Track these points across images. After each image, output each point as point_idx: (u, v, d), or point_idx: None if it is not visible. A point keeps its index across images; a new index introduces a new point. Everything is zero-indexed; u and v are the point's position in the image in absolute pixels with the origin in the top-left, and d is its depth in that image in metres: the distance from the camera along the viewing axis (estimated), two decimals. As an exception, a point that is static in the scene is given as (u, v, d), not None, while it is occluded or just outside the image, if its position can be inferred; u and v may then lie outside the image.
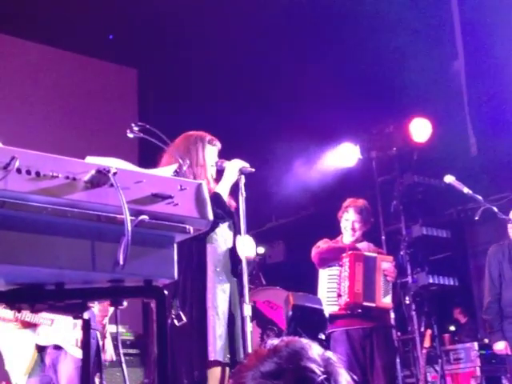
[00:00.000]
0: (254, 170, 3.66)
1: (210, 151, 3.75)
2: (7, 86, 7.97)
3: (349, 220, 5.13)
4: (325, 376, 1.27)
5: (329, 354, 1.33)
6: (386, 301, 4.94)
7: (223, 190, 3.58)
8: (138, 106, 9.22)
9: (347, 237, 5.16)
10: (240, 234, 3.61)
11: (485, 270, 5.58)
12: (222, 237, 3.67)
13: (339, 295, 4.92)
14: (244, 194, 3.59)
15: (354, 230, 5.12)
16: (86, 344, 2.01)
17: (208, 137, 3.78)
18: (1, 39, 8.11)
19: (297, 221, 9.31)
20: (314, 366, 1.27)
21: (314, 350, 1.31)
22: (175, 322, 3.28)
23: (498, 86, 7.25)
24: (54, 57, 8.57)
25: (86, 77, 8.71)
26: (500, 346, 5.29)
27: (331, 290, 4.97)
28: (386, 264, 5.00)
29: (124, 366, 2.17)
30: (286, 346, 1.29)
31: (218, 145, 3.79)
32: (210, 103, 8.31)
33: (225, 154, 3.80)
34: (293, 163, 7.75)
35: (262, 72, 7.85)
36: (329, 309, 4.96)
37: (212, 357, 3.44)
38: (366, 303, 4.87)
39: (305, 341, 1.33)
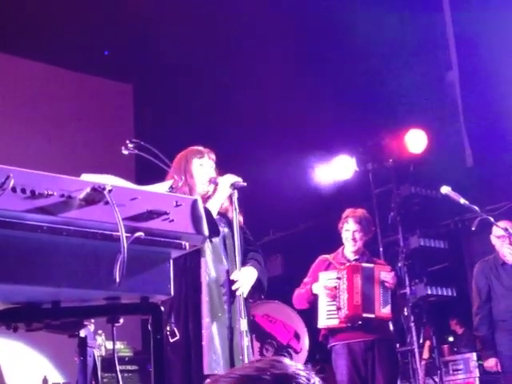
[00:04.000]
0: (245, 184, 3.63)
1: (198, 165, 3.71)
2: (2, 103, 7.97)
3: (349, 230, 5.12)
4: None
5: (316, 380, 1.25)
6: (385, 311, 4.93)
7: (212, 205, 3.56)
8: (133, 122, 9.23)
9: (349, 247, 5.15)
10: (234, 248, 3.58)
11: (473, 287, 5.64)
12: (215, 250, 3.64)
13: (339, 308, 4.89)
14: (237, 209, 3.58)
15: (354, 240, 5.11)
16: (83, 363, 2.01)
17: (195, 151, 3.76)
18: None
19: (294, 234, 9.30)
20: None
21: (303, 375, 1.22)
22: (169, 338, 3.27)
23: (493, 96, 7.27)
24: (49, 73, 8.59)
25: (82, 93, 8.73)
26: (490, 364, 5.37)
27: (331, 303, 4.95)
28: (384, 273, 5.00)
29: (121, 383, 2.16)
30: (272, 366, 1.21)
31: (208, 156, 3.74)
32: (205, 118, 8.33)
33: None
34: (289, 176, 7.76)
35: (259, 84, 7.87)
36: (330, 322, 4.95)
37: (207, 371, 3.43)
38: (365, 315, 4.85)
39: (293, 365, 1.24)
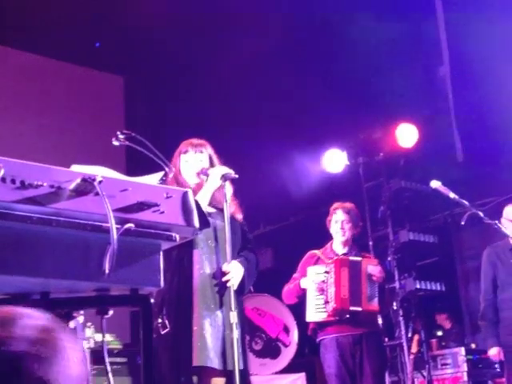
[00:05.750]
0: (237, 176, 3.64)
1: (184, 162, 3.75)
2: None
3: (338, 221, 5.14)
4: (35, 348, 1.07)
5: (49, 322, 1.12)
6: (372, 304, 4.95)
7: (201, 196, 3.56)
8: (124, 114, 9.20)
9: (338, 238, 5.16)
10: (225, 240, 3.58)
11: (472, 275, 5.56)
12: (207, 242, 3.65)
13: (327, 302, 4.92)
14: (229, 201, 3.58)
15: (343, 229, 5.13)
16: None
17: (183, 145, 3.79)
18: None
19: (285, 227, 9.32)
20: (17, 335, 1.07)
21: (30, 318, 1.10)
22: (160, 330, 3.27)
23: (484, 92, 7.29)
24: (39, 64, 8.55)
25: (72, 84, 8.69)
26: (493, 352, 5.26)
27: (319, 297, 4.96)
28: (371, 267, 5.02)
29: (110, 375, 2.16)
30: None
31: (194, 150, 3.75)
32: (196, 110, 8.31)
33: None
34: (280, 169, 7.76)
35: (250, 77, 7.86)
36: (318, 316, 4.97)
37: (197, 362, 3.43)
38: (352, 308, 4.87)
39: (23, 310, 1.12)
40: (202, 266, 3.61)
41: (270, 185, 7.87)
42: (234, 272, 3.56)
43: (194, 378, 3.48)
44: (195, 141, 3.81)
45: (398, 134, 7.08)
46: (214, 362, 3.47)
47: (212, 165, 3.76)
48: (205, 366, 3.46)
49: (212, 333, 3.51)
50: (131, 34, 7.99)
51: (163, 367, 3.38)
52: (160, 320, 3.36)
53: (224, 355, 3.49)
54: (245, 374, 3.54)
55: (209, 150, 3.80)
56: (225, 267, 3.56)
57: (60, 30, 7.76)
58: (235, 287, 3.54)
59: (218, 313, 3.56)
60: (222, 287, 3.58)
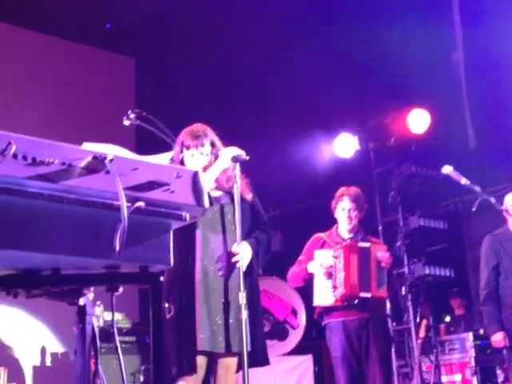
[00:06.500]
0: (248, 158, 3.57)
1: (189, 156, 3.64)
2: (2, 73, 7.94)
3: (345, 209, 5.11)
4: None
5: None
6: (381, 290, 4.95)
7: (207, 175, 3.50)
8: (134, 96, 9.20)
9: (344, 226, 5.14)
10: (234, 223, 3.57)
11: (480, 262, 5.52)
12: (212, 222, 3.61)
13: (335, 287, 4.90)
14: (239, 182, 3.53)
15: (350, 218, 5.10)
16: (82, 330, 2.02)
17: (186, 138, 3.65)
18: (-4, 26, 8.09)
19: (294, 211, 9.32)
20: None
21: None
22: (166, 314, 3.28)
23: (497, 78, 7.24)
24: (50, 45, 8.55)
25: (83, 65, 8.69)
26: (498, 337, 5.19)
27: (327, 282, 4.96)
28: (381, 253, 5.01)
29: (120, 353, 2.18)
30: None
31: (196, 146, 3.62)
32: (207, 92, 8.30)
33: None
34: (291, 153, 7.75)
35: (263, 59, 7.83)
36: (325, 300, 4.96)
37: (200, 347, 3.42)
38: (362, 294, 4.87)
39: None
40: (206, 246, 3.58)
41: (280, 168, 7.86)
42: (243, 253, 3.54)
43: (202, 361, 3.48)
44: (194, 132, 3.66)
45: (410, 119, 7.05)
46: (219, 347, 3.47)
47: (215, 150, 3.66)
48: (208, 351, 3.46)
49: (215, 316, 3.49)
50: (142, 15, 7.97)
51: (167, 348, 3.38)
52: (166, 304, 3.37)
53: (228, 337, 3.47)
54: (256, 355, 3.52)
55: (210, 137, 3.67)
56: (234, 248, 3.54)
57: (71, 11, 7.75)
58: (244, 268, 3.52)
59: (222, 295, 3.54)
60: (230, 269, 3.56)
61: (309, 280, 5.07)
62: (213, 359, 3.55)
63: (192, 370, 3.40)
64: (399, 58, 7.16)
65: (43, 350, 7.17)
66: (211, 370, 3.56)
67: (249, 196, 3.73)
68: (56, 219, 1.74)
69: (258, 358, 3.55)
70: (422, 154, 7.33)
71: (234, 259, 3.53)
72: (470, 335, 6.73)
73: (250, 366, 3.38)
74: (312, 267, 5.01)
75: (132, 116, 3.21)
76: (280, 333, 6.49)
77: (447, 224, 7.33)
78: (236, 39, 7.82)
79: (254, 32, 7.63)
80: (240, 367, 3.43)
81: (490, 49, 7.12)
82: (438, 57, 7.63)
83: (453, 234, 7.88)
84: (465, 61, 7.56)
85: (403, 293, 6.79)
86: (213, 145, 3.68)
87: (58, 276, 1.87)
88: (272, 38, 7.68)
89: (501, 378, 6.32)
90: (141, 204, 1.81)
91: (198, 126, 3.72)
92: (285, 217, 9.22)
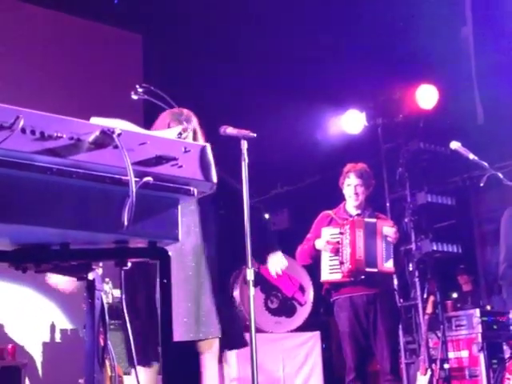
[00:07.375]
0: (255, 135, 3.50)
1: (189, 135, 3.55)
2: (11, 49, 7.92)
3: (351, 185, 5.11)
4: None
5: None
6: (388, 265, 4.96)
7: None
8: (142, 72, 9.16)
9: (351, 202, 5.14)
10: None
11: (489, 238, 5.50)
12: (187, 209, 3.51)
13: (342, 263, 4.93)
14: (247, 160, 3.48)
15: (357, 194, 5.10)
16: (91, 305, 2.03)
17: (169, 120, 3.55)
18: (5, 3, 8.05)
19: (302, 188, 9.32)
20: None
21: None
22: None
23: (507, 54, 7.18)
24: (58, 21, 8.51)
25: (91, 41, 8.65)
26: None
27: (334, 258, 4.98)
28: (387, 228, 5.01)
29: (129, 327, 2.19)
30: None
31: (186, 124, 3.51)
32: (215, 68, 8.25)
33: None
34: (299, 129, 7.72)
35: (271, 34, 7.77)
36: (332, 276, 4.99)
37: (177, 338, 3.42)
38: (368, 269, 4.89)
39: None
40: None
41: (288, 145, 7.84)
42: (277, 266, 3.73)
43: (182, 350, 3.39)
44: (180, 115, 3.57)
45: (418, 95, 7.01)
46: (192, 333, 3.42)
47: (195, 138, 3.55)
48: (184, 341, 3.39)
49: (186, 302, 3.43)
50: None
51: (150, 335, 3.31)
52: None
53: (198, 323, 3.43)
54: (228, 341, 3.53)
55: (193, 125, 3.59)
56: (271, 271, 3.78)
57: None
58: (279, 271, 3.75)
59: (197, 283, 3.49)
60: (206, 259, 3.53)
61: (317, 257, 5.09)
62: (193, 347, 3.48)
63: (155, 359, 3.37)
64: (408, 34, 7.10)
65: (53, 327, 7.23)
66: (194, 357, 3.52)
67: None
68: (65, 194, 1.74)
69: (236, 340, 3.58)
70: (430, 130, 7.29)
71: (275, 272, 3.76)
72: (477, 311, 6.75)
73: (230, 348, 3.46)
74: (319, 244, 5.03)
75: (140, 90, 3.20)
76: (288, 309, 6.51)
77: (455, 200, 7.32)
78: (245, 14, 7.76)
79: (263, 6, 7.57)
80: (222, 350, 3.48)
81: (499, 24, 7.05)
82: (447, 32, 7.56)
83: (460, 210, 7.86)
84: (474, 36, 7.49)
85: (410, 269, 6.80)
86: (194, 132, 3.59)
87: (67, 250, 1.88)
88: (282, 12, 7.62)
89: (507, 354, 6.35)
90: (149, 179, 1.81)
91: (183, 110, 3.65)
92: (292, 193, 9.24)
